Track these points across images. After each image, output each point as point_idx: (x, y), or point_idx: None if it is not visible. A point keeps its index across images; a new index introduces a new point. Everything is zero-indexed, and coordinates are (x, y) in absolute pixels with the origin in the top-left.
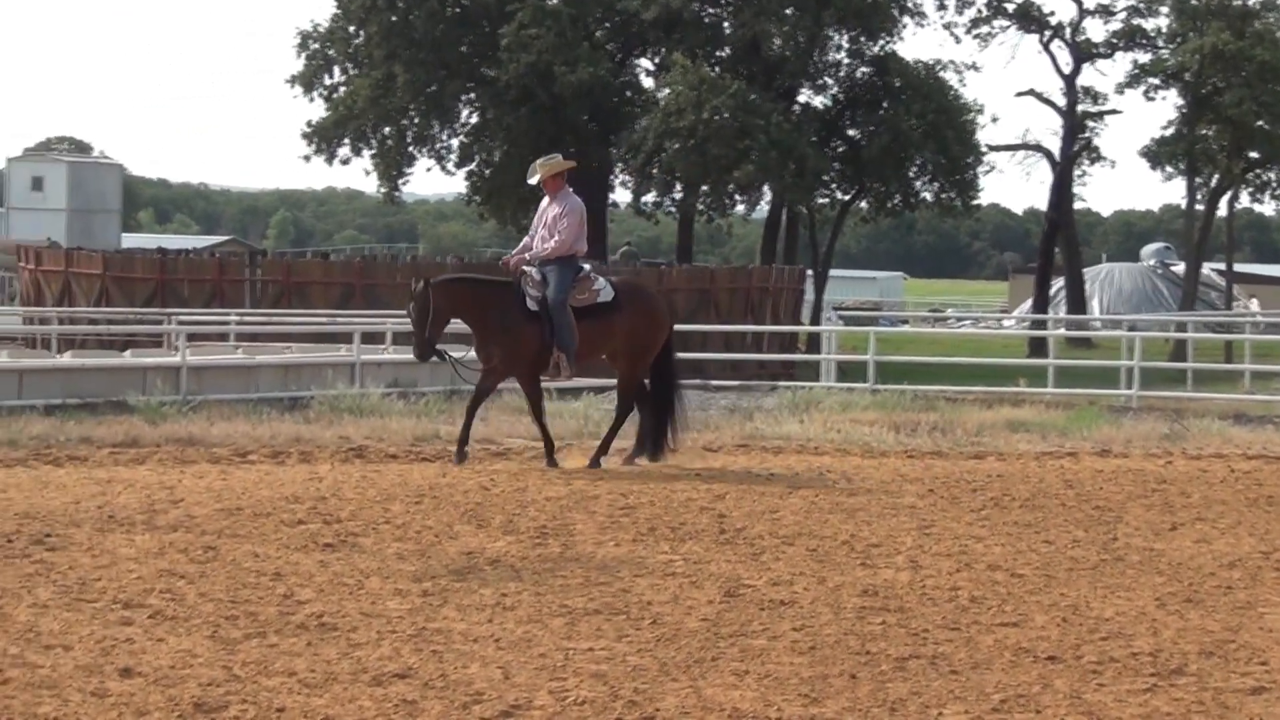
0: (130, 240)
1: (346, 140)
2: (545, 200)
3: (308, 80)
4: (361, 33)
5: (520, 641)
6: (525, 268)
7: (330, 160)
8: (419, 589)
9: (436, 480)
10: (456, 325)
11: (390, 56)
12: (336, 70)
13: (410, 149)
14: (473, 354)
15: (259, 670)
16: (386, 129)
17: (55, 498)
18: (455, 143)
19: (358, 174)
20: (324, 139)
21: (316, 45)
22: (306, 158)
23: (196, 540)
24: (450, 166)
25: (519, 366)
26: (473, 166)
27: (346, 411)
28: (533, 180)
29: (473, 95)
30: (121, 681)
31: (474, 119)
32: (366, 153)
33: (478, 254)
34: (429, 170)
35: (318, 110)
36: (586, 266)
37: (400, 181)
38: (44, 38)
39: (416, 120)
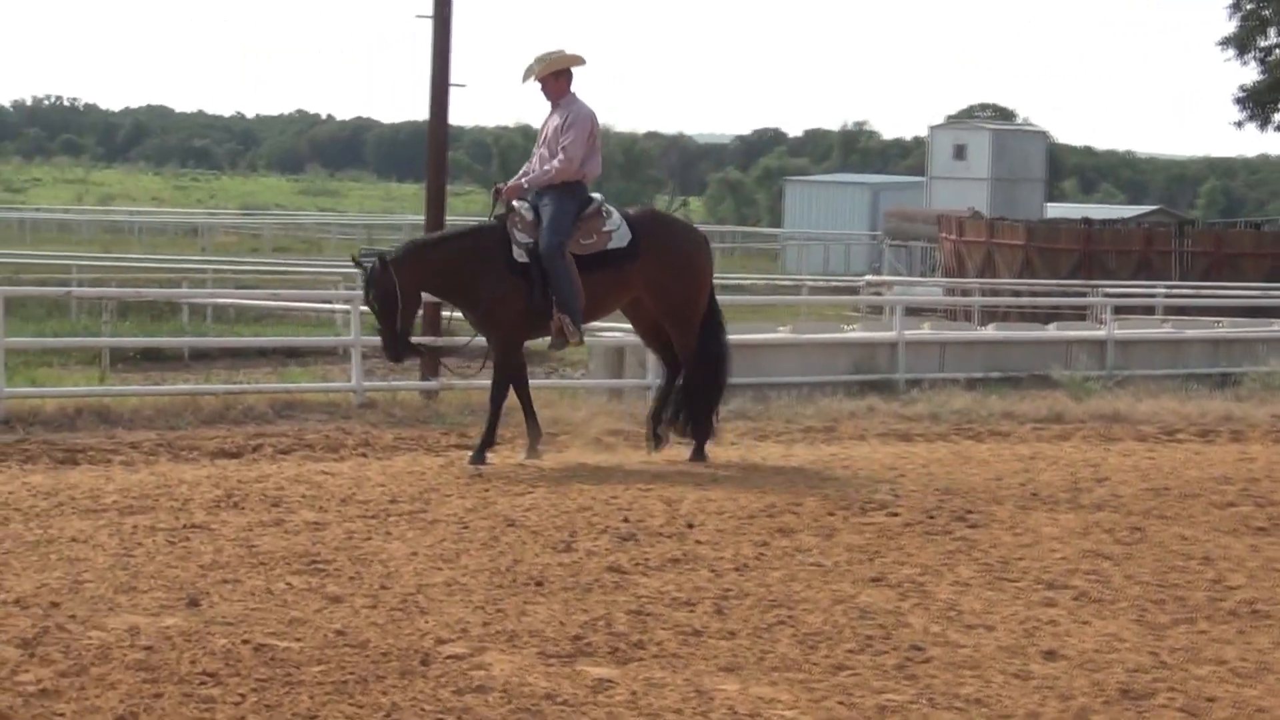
0: (1054, 210)
1: None
2: (548, 110)
3: (1242, 42)
4: None
5: None
6: (515, 203)
7: (1263, 126)
8: None
9: None
10: None
11: None
12: (1272, 32)
13: None
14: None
15: (1187, 657)
16: None
17: (977, 474)
18: None
19: None
20: (1257, 103)
21: (1251, 6)
22: (1238, 123)
23: (1122, 520)
24: None
25: (495, 331)
26: None
27: None
28: (527, 82)
29: None
30: (1045, 664)
31: None
32: None
33: None
34: None
35: (1251, 74)
36: (598, 198)
37: None
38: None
39: None
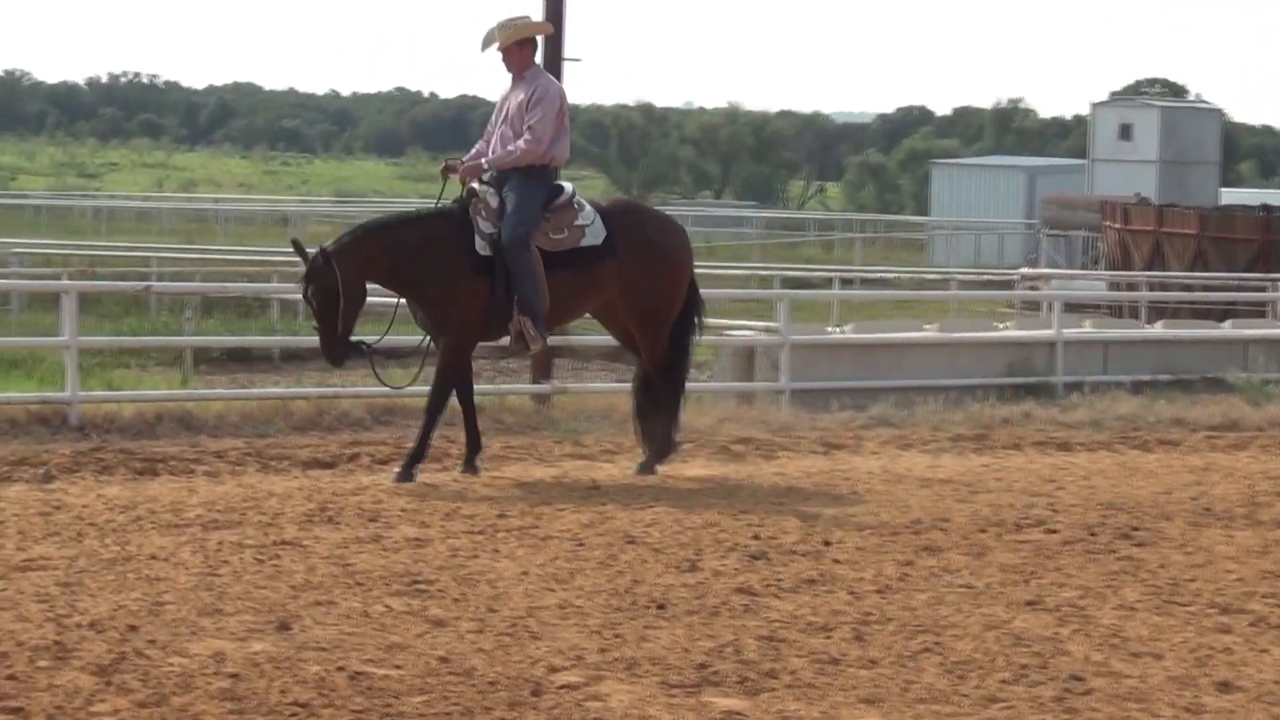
0: (1229, 196)
1: None
2: (509, 84)
3: None
4: None
5: None
6: (477, 186)
7: None
8: None
9: None
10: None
11: None
12: None
13: None
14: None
15: None
16: None
17: (1144, 486)
18: None
19: None
20: None
21: None
22: None
23: None
24: None
25: (449, 330)
26: None
27: None
28: (487, 51)
29: None
30: (1219, 697)
31: None
32: None
33: None
34: None
35: None
36: (568, 188)
37: None
38: None
39: None
